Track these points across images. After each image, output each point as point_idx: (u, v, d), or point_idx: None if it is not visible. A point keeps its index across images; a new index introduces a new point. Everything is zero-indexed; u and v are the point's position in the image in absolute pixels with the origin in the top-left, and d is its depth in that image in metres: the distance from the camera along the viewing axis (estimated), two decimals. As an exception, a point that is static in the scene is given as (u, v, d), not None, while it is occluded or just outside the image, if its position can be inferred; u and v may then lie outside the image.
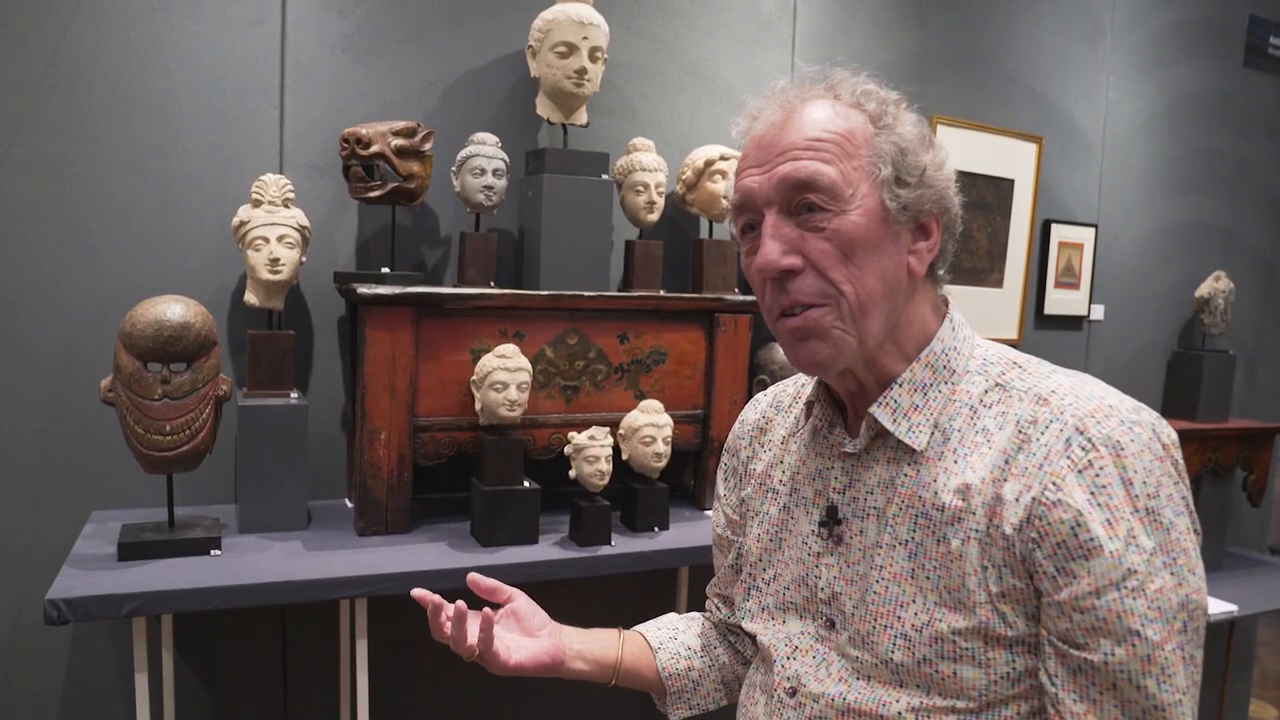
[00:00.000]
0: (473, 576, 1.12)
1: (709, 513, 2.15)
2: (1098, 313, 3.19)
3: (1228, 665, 2.95)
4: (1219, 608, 2.62)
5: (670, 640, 1.23)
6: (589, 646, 1.17)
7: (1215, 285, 3.21)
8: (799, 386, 1.15)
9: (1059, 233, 3.06)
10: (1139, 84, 3.19)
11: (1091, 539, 0.80)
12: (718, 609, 1.27)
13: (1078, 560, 0.81)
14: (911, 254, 0.92)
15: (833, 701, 0.94)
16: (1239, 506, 3.41)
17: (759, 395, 1.22)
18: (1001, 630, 0.85)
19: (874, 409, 0.94)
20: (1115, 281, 3.24)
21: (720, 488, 1.22)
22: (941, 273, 0.97)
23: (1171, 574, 0.80)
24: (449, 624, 1.03)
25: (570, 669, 1.14)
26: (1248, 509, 3.44)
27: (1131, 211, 3.25)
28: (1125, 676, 0.80)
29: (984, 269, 2.92)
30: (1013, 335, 3.00)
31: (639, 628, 1.25)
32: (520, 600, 1.17)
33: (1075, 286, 3.12)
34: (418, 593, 1.04)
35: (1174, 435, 0.87)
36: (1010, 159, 2.92)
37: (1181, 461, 0.86)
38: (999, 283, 2.95)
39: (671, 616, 1.29)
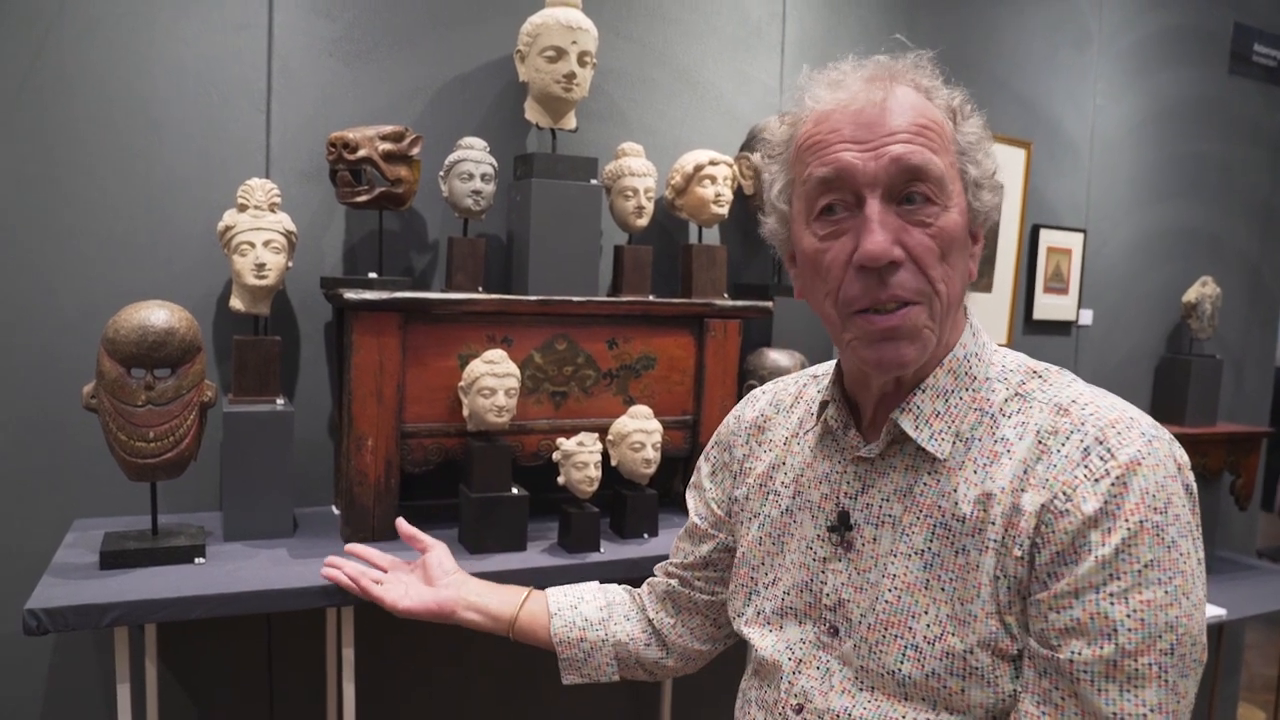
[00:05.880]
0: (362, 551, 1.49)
1: (699, 519, 2.14)
2: (1086, 318, 3.20)
3: (1217, 669, 2.96)
4: (1207, 611, 2.62)
5: (570, 609, 1.27)
6: (487, 601, 1.30)
7: (1202, 290, 3.22)
8: (800, 387, 1.12)
9: (1047, 238, 3.07)
10: (1126, 90, 3.21)
11: (1085, 544, 0.79)
12: (663, 580, 1.30)
13: (1069, 564, 0.79)
14: (971, 257, 0.92)
15: (838, 717, 0.92)
16: (1227, 510, 3.43)
17: (756, 392, 1.19)
18: (1006, 643, 0.83)
19: (896, 414, 0.92)
20: (1104, 286, 3.25)
21: (705, 480, 1.19)
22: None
23: (1165, 591, 0.77)
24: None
25: (462, 618, 1.29)
26: (1236, 513, 3.46)
27: (1119, 217, 3.27)
28: (1088, 678, 0.77)
29: (973, 274, 2.93)
30: (1002, 340, 3.01)
31: (551, 590, 1.32)
32: (434, 552, 1.38)
33: (1064, 292, 3.13)
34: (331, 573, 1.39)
35: (1187, 459, 0.85)
36: (999, 164, 2.92)
37: (1194, 486, 0.84)
38: (988, 288, 2.96)
39: (587, 586, 1.34)
